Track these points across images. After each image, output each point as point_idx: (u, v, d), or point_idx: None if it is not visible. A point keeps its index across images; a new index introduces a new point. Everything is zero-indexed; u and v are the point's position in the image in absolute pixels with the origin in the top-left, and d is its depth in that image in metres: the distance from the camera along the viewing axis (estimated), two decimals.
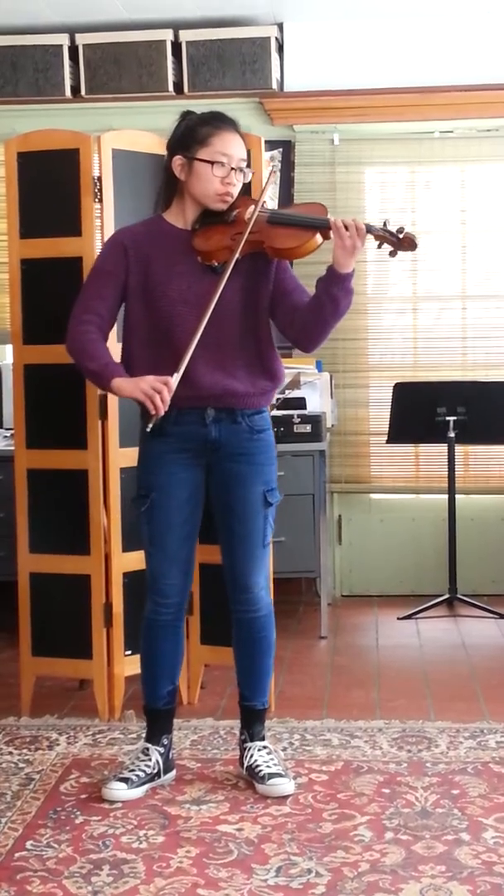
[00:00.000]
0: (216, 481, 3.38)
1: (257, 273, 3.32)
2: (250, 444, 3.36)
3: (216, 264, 3.27)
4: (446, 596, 5.60)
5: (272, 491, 3.39)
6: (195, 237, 3.31)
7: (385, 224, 3.26)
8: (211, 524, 3.45)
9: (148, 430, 3.20)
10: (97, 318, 3.32)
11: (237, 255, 3.21)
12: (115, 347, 3.47)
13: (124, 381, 3.23)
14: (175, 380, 3.16)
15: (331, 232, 3.22)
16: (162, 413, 3.16)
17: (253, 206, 3.28)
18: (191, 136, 3.29)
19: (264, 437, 3.40)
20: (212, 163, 3.25)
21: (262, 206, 3.30)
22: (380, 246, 3.28)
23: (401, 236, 3.24)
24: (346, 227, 3.18)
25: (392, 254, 3.29)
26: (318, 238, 3.25)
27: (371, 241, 3.28)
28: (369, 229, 3.23)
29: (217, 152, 3.26)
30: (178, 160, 3.29)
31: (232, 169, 3.27)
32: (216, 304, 3.19)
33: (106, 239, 3.90)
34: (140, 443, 3.42)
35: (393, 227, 3.25)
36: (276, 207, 3.39)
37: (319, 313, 3.28)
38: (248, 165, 3.39)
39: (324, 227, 3.23)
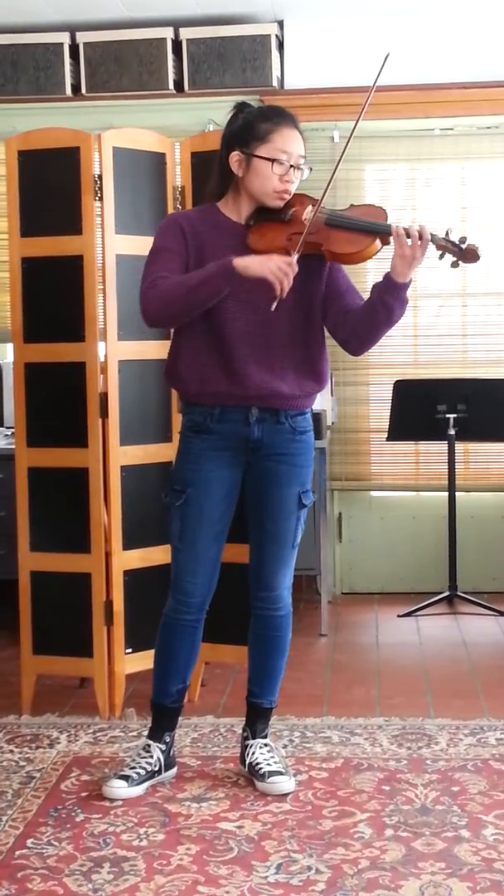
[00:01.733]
0: (253, 479, 3.36)
1: (311, 274, 3.25)
2: (292, 444, 3.34)
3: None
4: (446, 593, 5.61)
5: (307, 492, 3.38)
6: (250, 234, 3.24)
7: (448, 234, 3.14)
8: (237, 524, 3.42)
9: (273, 308, 3.06)
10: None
11: (297, 257, 3.10)
12: (163, 345, 3.40)
13: (248, 258, 3.07)
14: (295, 259, 3.07)
15: (391, 238, 3.13)
16: (285, 295, 3.05)
17: (311, 206, 3.21)
18: (249, 131, 3.23)
19: (305, 439, 3.38)
20: (272, 160, 3.19)
21: (321, 206, 3.20)
22: (441, 256, 3.16)
23: (464, 247, 3.12)
24: (409, 236, 3.10)
25: (454, 265, 3.16)
26: (378, 244, 3.16)
27: (432, 251, 3.15)
28: (431, 238, 3.13)
29: (277, 149, 3.20)
30: (235, 156, 3.23)
31: (291, 166, 3.22)
32: (267, 303, 3.10)
33: (113, 235, 3.89)
34: (181, 439, 3.38)
35: (455, 237, 3.14)
36: (334, 208, 3.30)
37: (372, 320, 3.23)
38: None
39: (384, 233, 3.14)
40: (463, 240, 3.14)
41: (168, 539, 3.41)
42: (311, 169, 3.29)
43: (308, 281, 3.26)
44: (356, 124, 3.19)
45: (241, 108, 3.32)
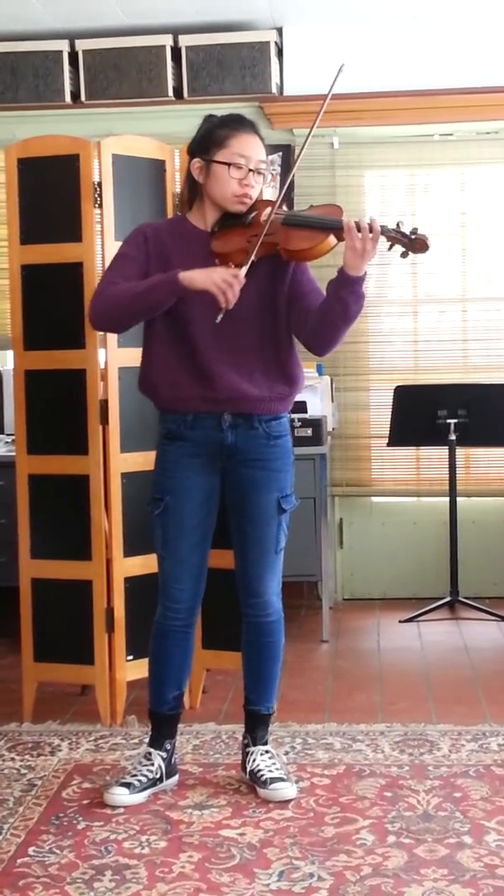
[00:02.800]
0: (231, 486, 3.37)
1: (274, 275, 3.30)
2: (266, 449, 3.35)
3: (233, 267, 3.24)
4: (448, 599, 5.61)
5: (287, 497, 3.38)
6: (214, 240, 3.29)
7: (398, 225, 3.19)
8: (220, 528, 3.45)
9: (217, 320, 3.12)
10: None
11: (253, 258, 3.18)
12: (136, 353, 3.45)
13: (192, 272, 3.13)
14: (243, 273, 3.12)
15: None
16: (231, 307, 3.11)
17: (269, 209, 3.26)
18: (209, 138, 3.29)
19: (281, 444, 3.38)
20: (228, 164, 3.24)
21: (280, 208, 3.26)
22: (391, 247, 3.22)
23: (413, 237, 3.17)
24: (360, 229, 3.13)
25: (404, 255, 3.22)
26: (332, 239, 3.21)
27: (383, 243, 3.21)
28: (382, 230, 3.17)
29: (234, 154, 3.24)
30: (196, 163, 3.29)
31: (250, 171, 3.25)
32: (235, 306, 3.15)
33: (113, 242, 3.90)
34: (157, 447, 3.40)
35: (406, 229, 3.19)
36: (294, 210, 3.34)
37: (329, 316, 3.25)
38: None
39: (337, 229, 3.19)
40: (413, 231, 3.19)
41: (153, 548, 3.44)
42: (272, 174, 3.32)
43: (273, 283, 3.31)
44: (310, 131, 3.27)
45: (207, 119, 3.37)
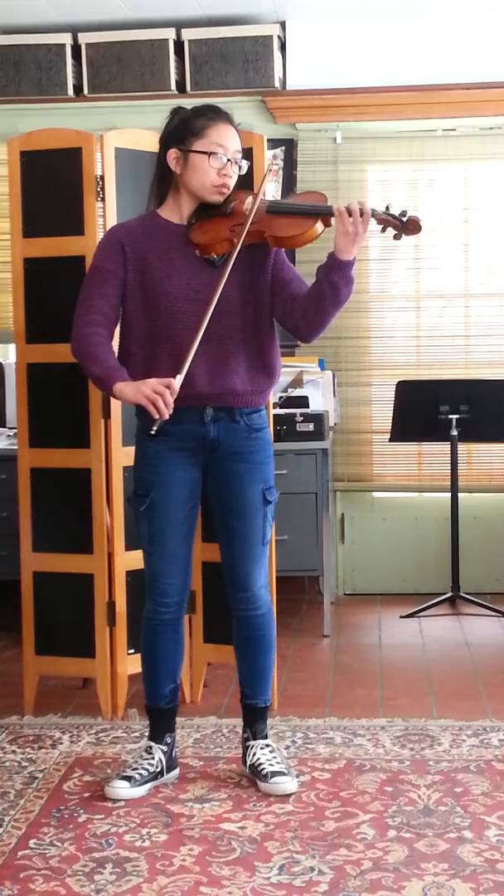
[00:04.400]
0: (214, 480, 3.38)
1: (255, 266, 3.31)
2: (248, 442, 3.35)
3: (215, 257, 3.25)
4: (449, 594, 5.60)
5: (270, 489, 3.39)
6: (192, 231, 3.29)
7: (388, 207, 3.22)
8: (212, 523, 3.45)
9: (152, 433, 3.16)
10: (102, 318, 3.30)
11: (239, 247, 3.19)
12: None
13: (126, 385, 3.18)
14: (178, 382, 3.13)
15: (332, 219, 3.19)
16: (166, 417, 3.13)
17: (251, 197, 3.26)
18: (185, 128, 3.28)
19: (262, 436, 3.39)
20: (208, 154, 3.24)
21: (261, 197, 3.27)
22: (384, 230, 3.23)
23: (405, 219, 3.19)
24: (350, 213, 3.15)
25: (396, 237, 3.23)
26: (320, 226, 3.22)
27: (374, 226, 3.23)
28: (372, 213, 3.19)
29: (213, 143, 3.24)
30: (172, 153, 3.28)
31: (228, 160, 3.26)
32: (218, 302, 3.17)
33: (104, 238, 3.90)
34: (136, 442, 3.41)
35: (396, 211, 3.21)
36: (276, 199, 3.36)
37: (320, 301, 3.25)
38: (245, 157, 3.36)
39: (326, 214, 3.20)
40: (403, 213, 3.21)
41: (139, 543, 3.44)
42: (249, 164, 3.36)
43: (254, 274, 3.31)
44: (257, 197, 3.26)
45: (176, 111, 3.36)
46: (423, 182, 5.99)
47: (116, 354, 3.34)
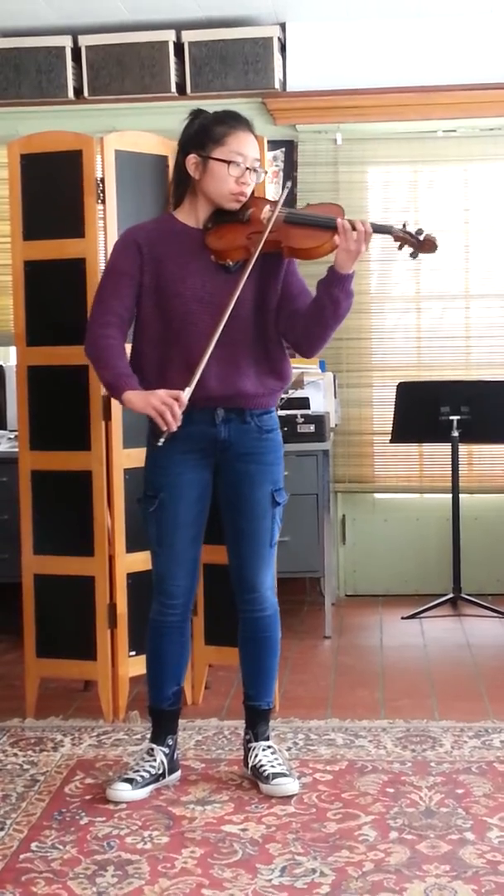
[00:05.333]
0: (224, 481, 3.38)
1: (268, 273, 3.31)
2: (259, 443, 3.36)
3: (230, 263, 3.26)
4: (450, 595, 5.60)
5: (280, 491, 3.39)
6: (208, 236, 3.29)
7: (405, 225, 3.24)
8: (217, 524, 3.45)
9: (160, 443, 3.17)
10: (117, 319, 3.29)
11: (257, 255, 3.20)
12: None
13: (135, 395, 3.19)
14: (187, 394, 3.14)
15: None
16: (174, 429, 3.14)
17: (269, 206, 3.26)
18: (206, 134, 3.28)
19: (272, 437, 3.40)
20: (227, 162, 3.24)
21: (279, 206, 3.28)
22: (400, 247, 3.26)
23: (421, 238, 3.22)
24: (354, 229, 3.17)
25: (413, 255, 3.27)
26: (336, 239, 3.22)
27: (391, 242, 3.27)
28: (389, 230, 3.22)
29: (233, 151, 3.25)
30: (192, 158, 3.28)
31: (246, 169, 3.26)
32: (229, 303, 3.17)
33: (116, 238, 3.90)
34: (147, 444, 3.41)
35: (412, 229, 3.23)
36: (292, 208, 3.37)
37: (320, 315, 3.27)
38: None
39: (331, 228, 3.21)
40: (420, 231, 3.24)
41: (147, 544, 3.44)
42: (266, 172, 3.34)
43: (266, 280, 3.32)
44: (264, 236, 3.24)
45: (196, 114, 3.36)
46: (424, 183, 5.98)
47: (129, 355, 3.35)
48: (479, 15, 5.69)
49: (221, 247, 3.26)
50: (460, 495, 5.64)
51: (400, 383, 5.62)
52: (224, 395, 3.28)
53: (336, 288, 3.22)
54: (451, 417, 5.51)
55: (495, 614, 5.47)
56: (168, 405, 3.13)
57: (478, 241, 5.92)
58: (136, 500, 3.43)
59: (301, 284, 3.38)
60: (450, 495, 5.64)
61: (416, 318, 6.00)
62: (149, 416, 3.22)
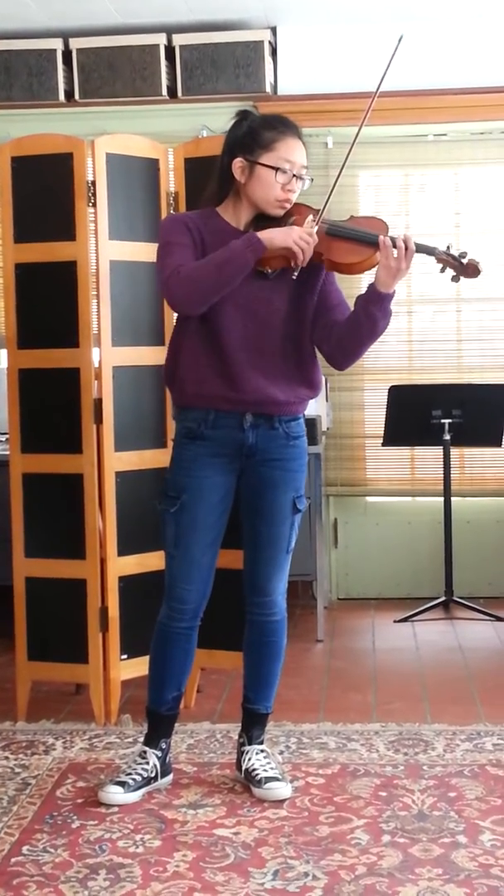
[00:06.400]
0: (248, 485, 3.36)
1: (306, 283, 3.28)
2: (286, 450, 3.35)
3: (269, 271, 3.22)
4: (442, 599, 5.60)
5: (301, 498, 3.39)
6: None
7: (448, 248, 3.20)
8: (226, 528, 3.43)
9: (294, 276, 3.14)
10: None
11: (303, 264, 3.16)
12: (157, 350, 3.41)
13: (270, 231, 3.14)
14: (315, 230, 3.13)
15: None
16: (304, 265, 3.13)
17: (312, 216, 3.22)
18: (254, 138, 3.24)
19: (299, 444, 3.39)
20: (275, 169, 3.21)
21: (321, 216, 3.23)
22: (443, 270, 3.23)
23: (464, 261, 3.19)
24: (395, 246, 3.12)
25: (454, 279, 3.24)
26: (378, 256, 3.17)
27: (434, 264, 3.23)
28: (432, 252, 3.18)
29: (281, 158, 3.21)
30: (238, 162, 3.23)
31: (293, 176, 3.24)
32: (264, 310, 3.17)
33: (106, 241, 3.89)
34: (175, 445, 3.39)
35: (455, 252, 3.20)
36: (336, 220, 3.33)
37: (357, 332, 3.24)
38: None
39: (373, 244, 3.16)
40: (463, 255, 3.21)
41: (162, 546, 3.41)
42: (311, 179, 3.30)
43: (303, 290, 3.29)
44: (361, 123, 3.29)
45: (244, 115, 3.32)
46: (415, 187, 5.99)
47: (168, 347, 3.33)
48: (470, 19, 5.70)
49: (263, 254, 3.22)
50: (452, 499, 5.64)
51: (391, 387, 5.62)
52: (255, 400, 3.27)
53: (374, 306, 3.19)
54: (443, 421, 5.52)
55: (487, 617, 5.47)
56: (307, 240, 3.11)
57: (468, 245, 5.89)
58: (157, 502, 3.37)
59: (339, 296, 3.35)
60: (442, 499, 5.64)
61: (408, 322, 6.01)
62: (181, 410, 3.23)
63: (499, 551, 5.91)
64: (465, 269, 3.20)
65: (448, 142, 5.87)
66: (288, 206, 3.26)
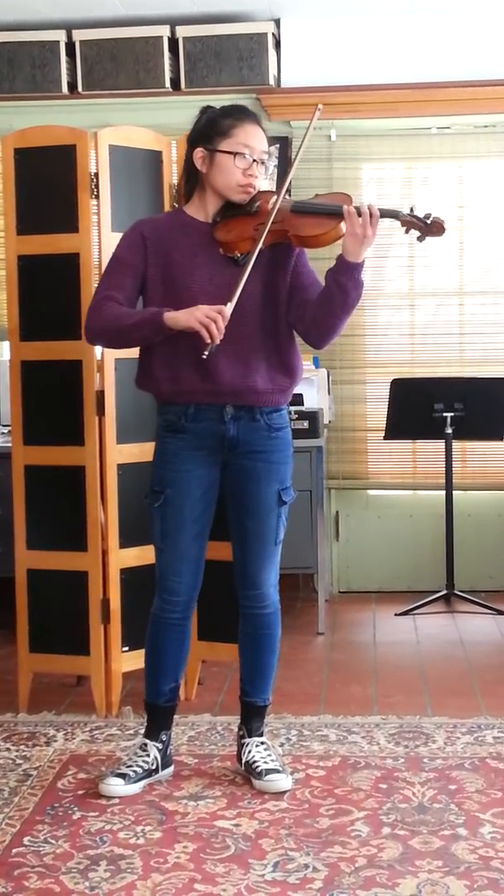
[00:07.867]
0: (231, 478, 3.37)
1: (277, 265, 3.30)
2: (268, 441, 3.35)
3: (238, 255, 3.24)
4: (444, 592, 5.60)
5: (287, 489, 3.39)
6: (217, 229, 3.29)
7: (412, 210, 3.22)
8: (216, 520, 3.44)
9: (204, 356, 3.14)
10: (115, 301, 3.28)
11: (261, 245, 3.19)
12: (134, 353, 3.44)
13: (177, 312, 3.16)
14: (228, 309, 3.13)
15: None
16: (217, 342, 3.12)
17: (275, 197, 3.25)
18: (213, 128, 3.28)
19: (282, 436, 3.39)
20: (234, 154, 3.24)
21: (285, 196, 3.27)
22: (407, 231, 3.24)
23: (429, 221, 3.20)
24: (360, 214, 3.14)
25: (420, 239, 3.24)
26: (343, 226, 3.20)
27: (398, 228, 3.25)
28: (395, 215, 3.20)
29: (239, 143, 3.25)
30: (199, 152, 3.28)
31: (254, 161, 3.26)
32: (238, 296, 3.17)
33: (109, 233, 3.89)
34: (157, 439, 3.40)
35: (420, 213, 3.21)
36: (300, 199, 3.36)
37: (328, 304, 3.24)
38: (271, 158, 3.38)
39: (338, 215, 3.19)
40: (428, 215, 3.21)
41: (151, 540, 3.43)
42: (275, 165, 3.32)
43: (276, 273, 3.31)
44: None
45: (204, 110, 3.36)
46: (418, 180, 5.99)
47: (139, 350, 3.35)
48: (474, 11, 5.69)
49: (229, 239, 3.25)
50: (454, 492, 5.64)
51: (394, 380, 5.62)
52: (232, 390, 3.27)
53: (344, 276, 3.19)
54: (445, 414, 5.52)
55: (488, 611, 5.48)
56: (213, 318, 3.11)
57: (472, 238, 5.92)
58: (144, 497, 3.40)
59: (312, 277, 3.36)
60: (443, 492, 5.64)
61: (410, 315, 6.00)
62: (163, 406, 3.25)
63: (500, 545, 5.91)
64: (429, 228, 3.21)
65: (452, 135, 5.86)
66: (252, 191, 3.29)
